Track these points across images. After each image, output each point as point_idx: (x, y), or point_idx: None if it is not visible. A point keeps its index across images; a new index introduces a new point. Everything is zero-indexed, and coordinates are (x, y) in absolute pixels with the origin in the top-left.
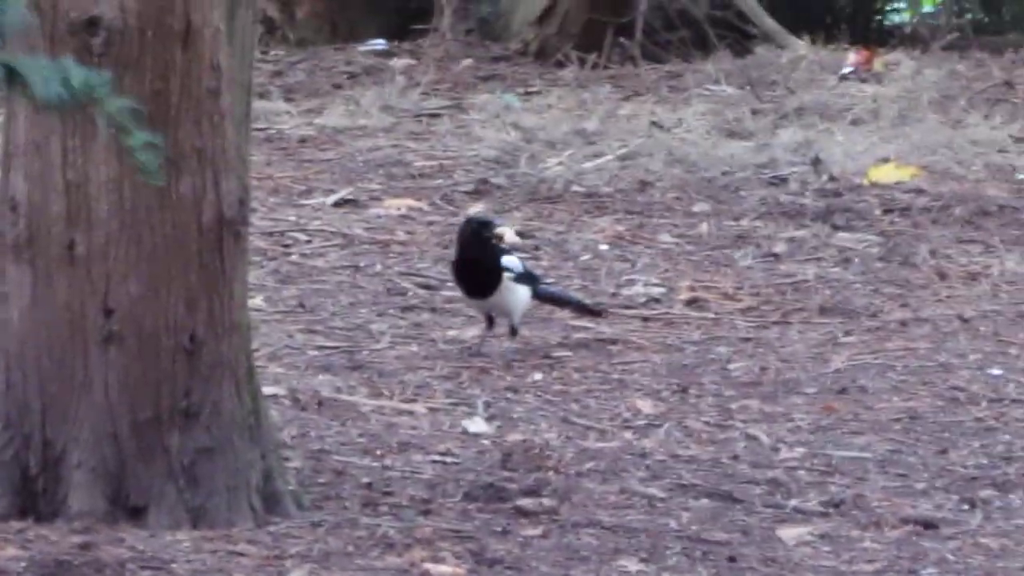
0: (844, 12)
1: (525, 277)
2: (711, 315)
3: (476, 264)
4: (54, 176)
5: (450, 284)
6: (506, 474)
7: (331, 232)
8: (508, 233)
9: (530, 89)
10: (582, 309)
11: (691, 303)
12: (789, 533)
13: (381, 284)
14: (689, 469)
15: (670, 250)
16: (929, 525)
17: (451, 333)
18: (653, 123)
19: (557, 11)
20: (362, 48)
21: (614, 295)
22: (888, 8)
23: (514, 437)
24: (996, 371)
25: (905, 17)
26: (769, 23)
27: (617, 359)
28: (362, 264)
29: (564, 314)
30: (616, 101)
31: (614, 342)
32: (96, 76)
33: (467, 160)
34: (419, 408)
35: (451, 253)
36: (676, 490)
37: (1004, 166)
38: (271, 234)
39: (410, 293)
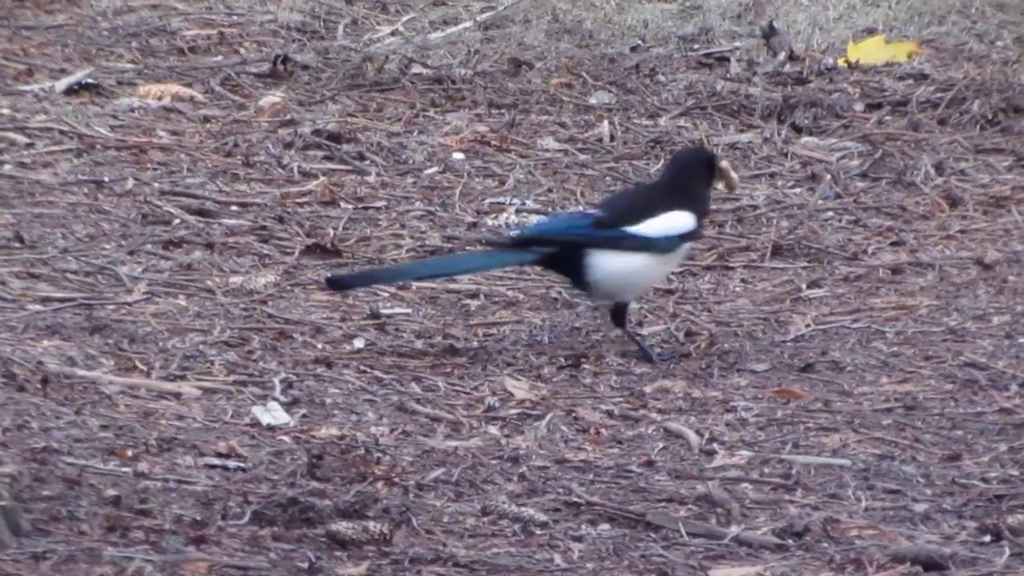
0: None
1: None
2: None
3: None
4: None
5: (235, 209)
6: (315, 485)
7: (61, 132)
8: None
9: None
10: None
11: None
12: None
13: (134, 208)
14: (582, 481)
15: (555, 161)
16: (933, 565)
17: (235, 280)
18: None
19: None
20: None
21: (473, 226)
22: None
23: (327, 432)
24: None
25: None
26: None
27: (478, 319)
28: (107, 179)
29: (401, 255)
30: None
31: (474, 295)
32: None
33: (259, 29)
34: (189, 389)
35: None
36: (563, 511)
37: None
38: None
39: (176, 222)
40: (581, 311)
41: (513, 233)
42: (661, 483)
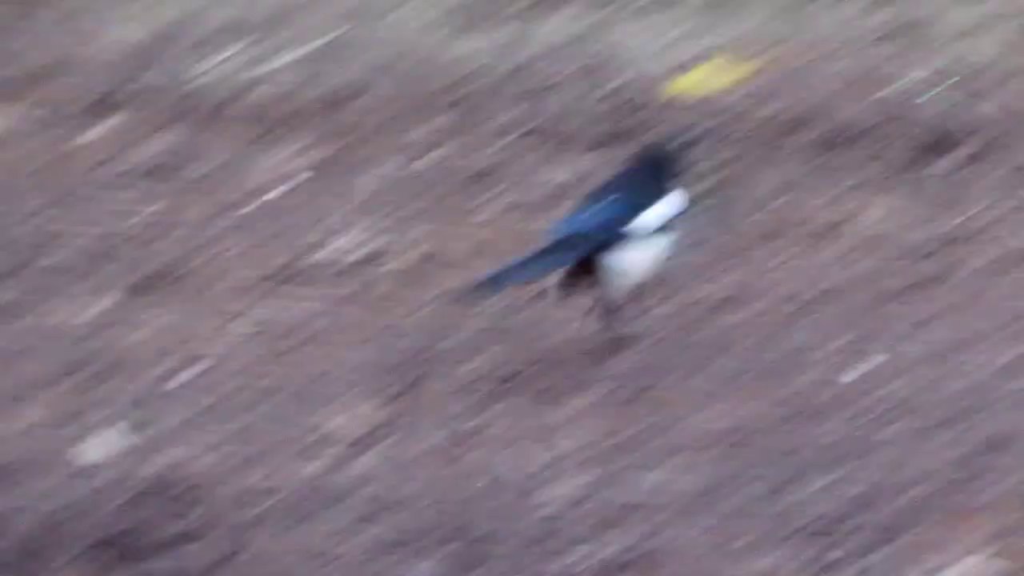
0: None
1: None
2: (437, 290)
3: None
4: None
5: (60, 241)
6: (138, 521)
7: None
8: None
9: None
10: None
11: (421, 263)
12: None
13: None
14: (408, 515)
15: (382, 192)
16: None
17: (62, 315)
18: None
19: None
20: None
21: (303, 255)
22: None
23: (151, 468)
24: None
25: None
26: None
27: (308, 348)
28: None
29: (228, 283)
30: None
31: (292, 329)
32: None
33: (88, 58)
34: (12, 425)
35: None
36: (388, 546)
37: (868, 73)
38: None
39: None
40: (409, 340)
41: (552, 233)
42: (484, 518)
